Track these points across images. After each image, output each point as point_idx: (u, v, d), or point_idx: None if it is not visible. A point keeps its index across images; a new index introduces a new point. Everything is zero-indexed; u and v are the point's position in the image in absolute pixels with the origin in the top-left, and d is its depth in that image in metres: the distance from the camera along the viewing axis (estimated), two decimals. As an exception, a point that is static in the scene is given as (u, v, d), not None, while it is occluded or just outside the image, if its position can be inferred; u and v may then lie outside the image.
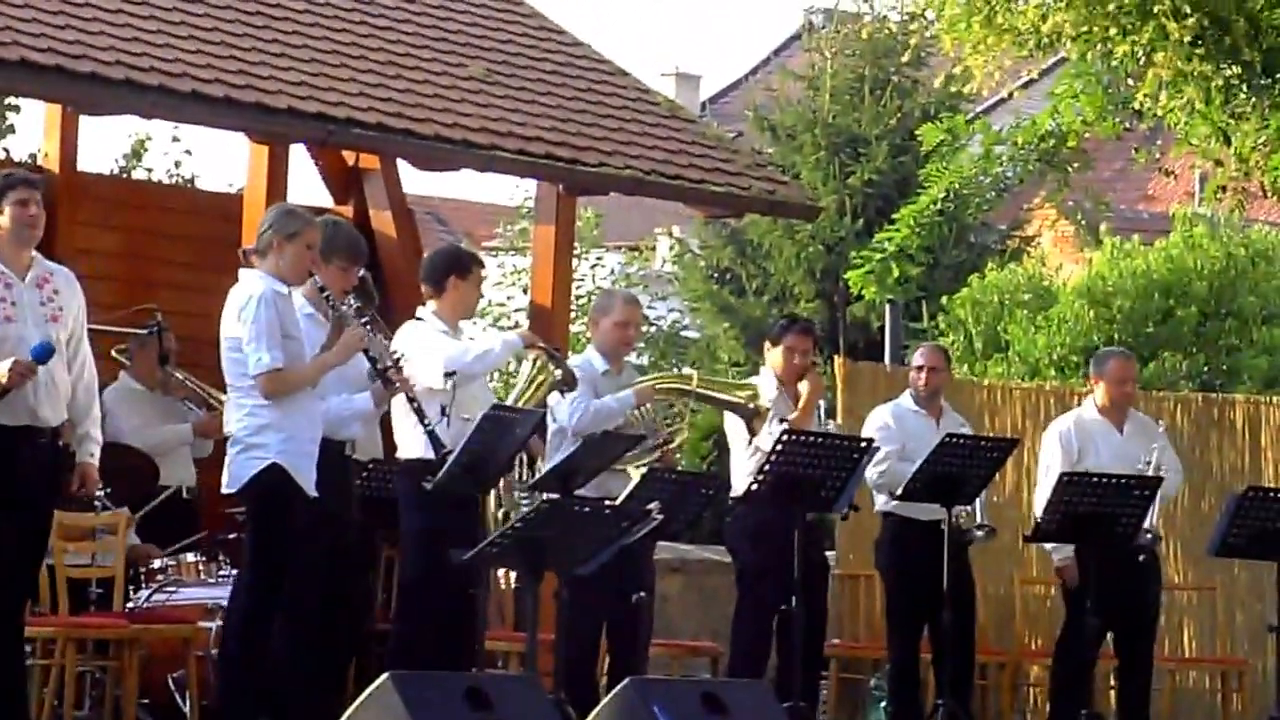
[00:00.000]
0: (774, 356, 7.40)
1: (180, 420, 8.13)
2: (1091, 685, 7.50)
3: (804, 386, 7.31)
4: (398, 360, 6.31)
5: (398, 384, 6.28)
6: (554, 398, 6.89)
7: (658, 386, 7.11)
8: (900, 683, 7.65)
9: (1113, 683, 8.36)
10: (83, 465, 5.88)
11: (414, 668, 5.98)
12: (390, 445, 6.89)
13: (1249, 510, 7.11)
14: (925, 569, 7.33)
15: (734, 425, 7.35)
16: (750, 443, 7.24)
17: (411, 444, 6.63)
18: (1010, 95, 9.19)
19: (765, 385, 7.29)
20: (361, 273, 6.89)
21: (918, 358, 7.89)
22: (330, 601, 6.37)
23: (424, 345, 6.56)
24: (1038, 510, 7.60)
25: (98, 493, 7.11)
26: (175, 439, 8.00)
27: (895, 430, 7.65)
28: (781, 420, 7.16)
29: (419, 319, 6.77)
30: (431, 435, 6.37)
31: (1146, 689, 7.77)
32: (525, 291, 13.25)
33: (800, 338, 7.44)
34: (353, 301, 6.26)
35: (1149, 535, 7.41)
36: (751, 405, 7.18)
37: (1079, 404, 9.29)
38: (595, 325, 7.17)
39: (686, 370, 7.60)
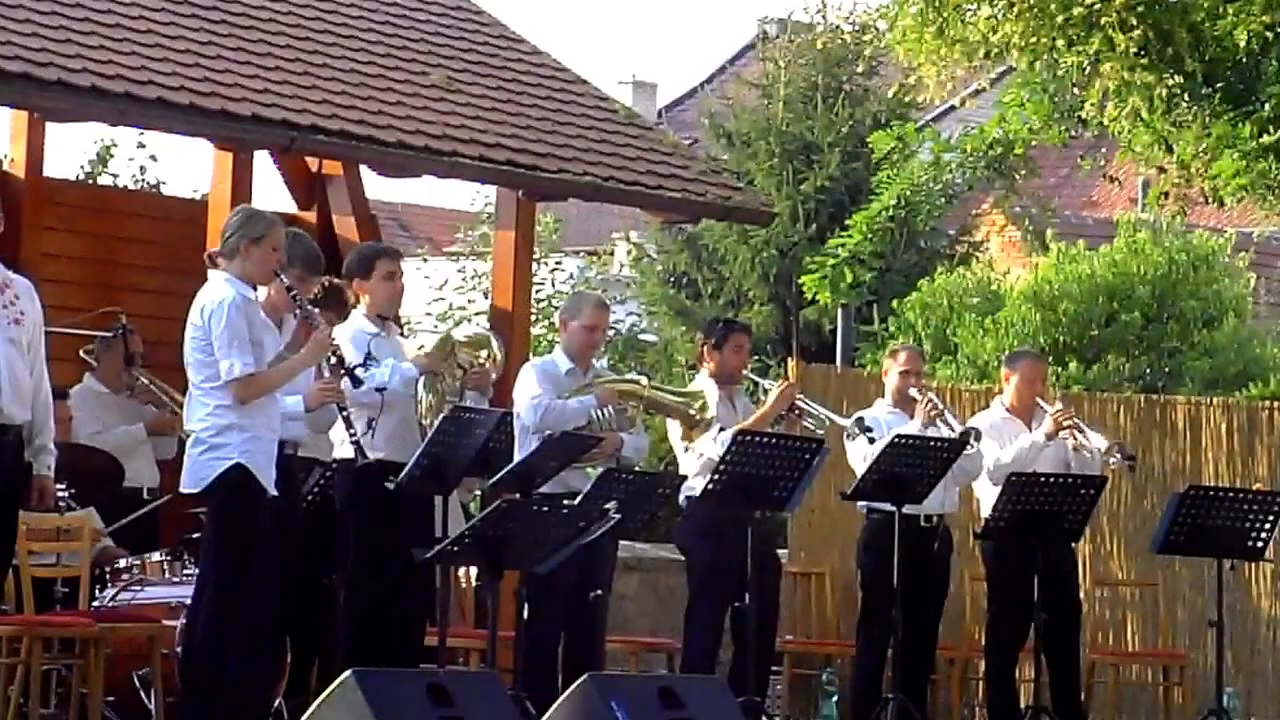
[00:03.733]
0: (724, 357, 7.51)
1: (140, 421, 8.22)
2: (1039, 679, 7.67)
3: (773, 393, 7.45)
4: (354, 366, 6.41)
5: (363, 380, 6.38)
6: (520, 402, 7.03)
7: (616, 389, 7.24)
8: (867, 678, 7.74)
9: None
10: (40, 478, 5.89)
11: (363, 660, 6.06)
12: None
13: (1190, 509, 7.29)
14: (905, 567, 7.45)
15: (676, 427, 7.50)
16: (687, 445, 7.39)
17: (346, 444, 6.73)
18: (962, 103, 9.38)
19: (711, 395, 7.38)
20: (338, 281, 7.01)
21: (902, 362, 7.92)
22: (286, 600, 6.50)
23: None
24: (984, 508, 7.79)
25: (61, 493, 7.23)
26: (129, 440, 8.07)
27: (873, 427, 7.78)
28: (722, 428, 7.27)
29: (350, 321, 6.88)
30: (357, 445, 6.48)
31: (1077, 677, 7.92)
32: (486, 295, 13.33)
33: (744, 336, 7.62)
34: (304, 298, 6.36)
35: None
36: (697, 415, 7.30)
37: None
38: (564, 327, 7.28)
39: (634, 376, 7.69)
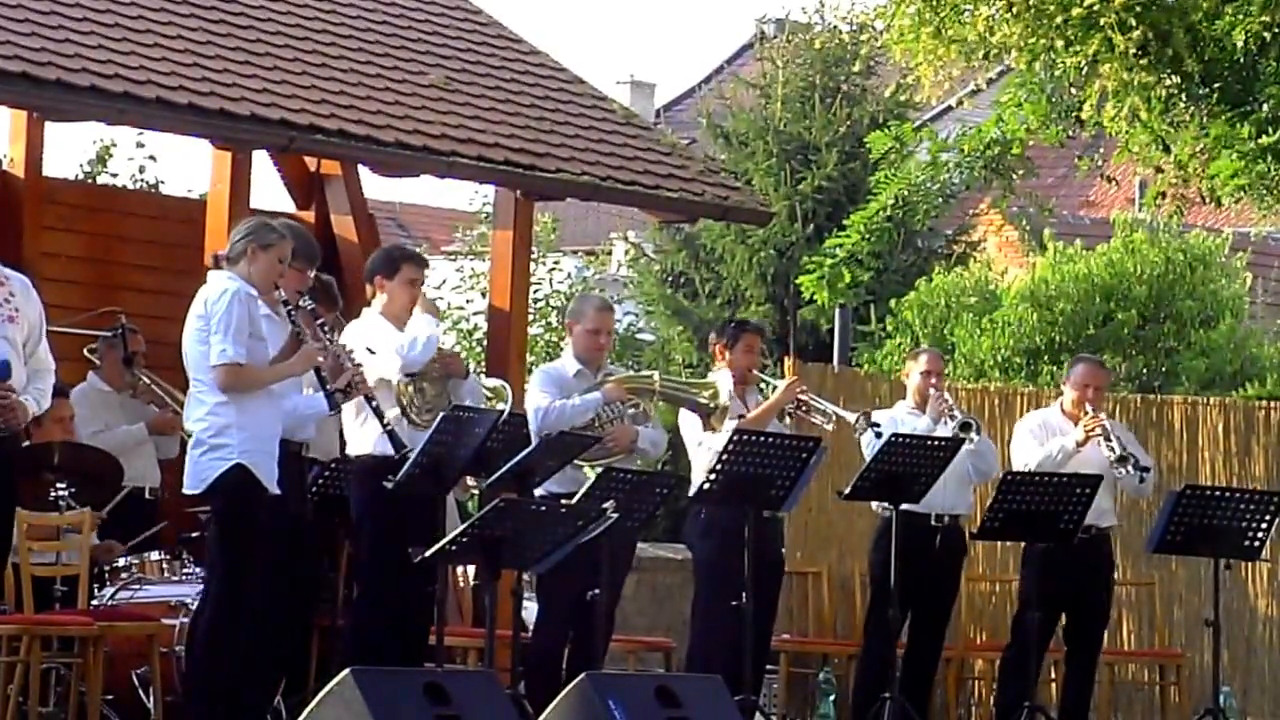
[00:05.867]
0: (735, 357, 7.54)
1: (142, 421, 8.24)
2: (1036, 677, 7.69)
3: (779, 388, 7.48)
4: (357, 371, 6.43)
5: (341, 407, 6.41)
6: (530, 404, 7.06)
7: (626, 385, 7.26)
8: (873, 675, 7.72)
9: (1054, 675, 8.58)
10: (19, 401, 5.72)
11: (371, 662, 6.10)
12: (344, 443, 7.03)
13: (1186, 508, 7.30)
14: (914, 566, 7.48)
15: (688, 425, 7.53)
16: (700, 444, 7.42)
17: (363, 441, 6.78)
18: (960, 103, 9.40)
19: (723, 384, 7.45)
20: (326, 277, 7.03)
21: (923, 364, 7.95)
22: (289, 598, 6.51)
23: (373, 340, 6.73)
24: None
25: (61, 492, 7.25)
26: (131, 439, 8.09)
27: (891, 428, 7.74)
28: (740, 417, 7.34)
29: (364, 317, 6.92)
30: (391, 434, 6.50)
31: (1091, 678, 7.96)
32: (484, 295, 13.35)
33: (755, 337, 7.67)
34: (307, 303, 6.37)
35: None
36: (712, 404, 7.33)
37: (1021, 404, 9.50)
38: (570, 331, 7.36)
39: (648, 372, 7.71)
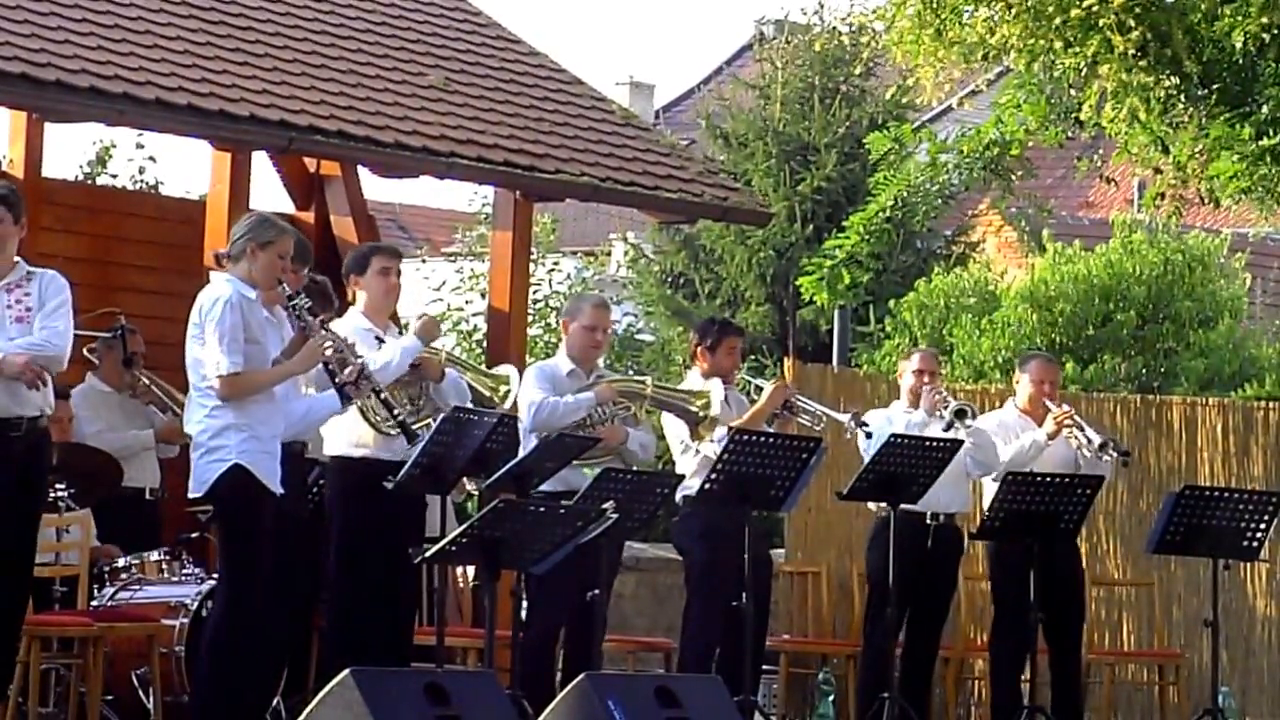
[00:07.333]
0: (717, 359, 7.56)
1: (144, 422, 8.24)
2: (1035, 679, 7.70)
3: (766, 390, 7.50)
4: (362, 368, 6.45)
5: (354, 397, 6.44)
6: (524, 399, 7.06)
7: (617, 388, 7.27)
8: (875, 673, 7.72)
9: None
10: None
11: (349, 660, 6.08)
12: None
13: (1185, 508, 7.31)
14: (909, 565, 7.49)
15: (673, 427, 7.52)
16: (685, 445, 7.42)
17: (336, 440, 6.78)
18: (959, 104, 9.41)
19: (715, 395, 7.44)
20: (320, 277, 7.04)
21: (915, 362, 7.96)
22: (290, 597, 6.52)
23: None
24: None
25: (60, 492, 7.25)
26: (138, 444, 8.10)
27: (886, 426, 7.76)
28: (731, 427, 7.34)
29: (346, 317, 6.90)
30: (403, 425, 6.50)
31: (1078, 677, 7.96)
32: (483, 296, 13.36)
33: (738, 339, 7.68)
34: (304, 302, 6.39)
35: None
36: (703, 414, 7.33)
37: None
38: (565, 329, 7.35)
39: (640, 377, 7.71)
